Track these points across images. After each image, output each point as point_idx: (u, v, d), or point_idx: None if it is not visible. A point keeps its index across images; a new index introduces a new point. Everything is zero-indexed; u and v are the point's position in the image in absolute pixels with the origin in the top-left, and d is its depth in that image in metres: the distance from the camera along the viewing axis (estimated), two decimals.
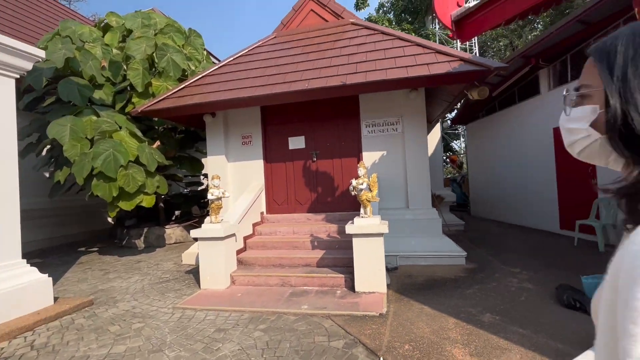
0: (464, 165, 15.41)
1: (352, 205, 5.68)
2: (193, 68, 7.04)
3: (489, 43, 15.67)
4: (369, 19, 17.20)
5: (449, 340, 2.63)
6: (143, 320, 3.39)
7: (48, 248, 7.59)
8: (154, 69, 6.65)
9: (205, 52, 7.89)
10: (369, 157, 5.58)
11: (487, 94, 4.66)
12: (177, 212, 9.20)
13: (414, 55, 4.95)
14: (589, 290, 3.09)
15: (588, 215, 5.62)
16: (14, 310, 3.35)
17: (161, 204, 7.94)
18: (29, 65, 3.75)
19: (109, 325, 3.31)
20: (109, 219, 10.35)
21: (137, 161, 5.42)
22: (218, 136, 6.11)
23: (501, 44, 15.27)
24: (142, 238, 7.55)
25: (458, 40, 16.39)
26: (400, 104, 5.48)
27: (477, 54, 14.99)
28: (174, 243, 7.77)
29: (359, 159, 5.69)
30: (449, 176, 14.38)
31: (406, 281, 4.18)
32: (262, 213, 5.97)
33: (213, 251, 4.29)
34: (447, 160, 17.07)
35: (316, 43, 6.20)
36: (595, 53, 0.61)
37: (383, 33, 5.79)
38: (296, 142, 6.00)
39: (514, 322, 2.87)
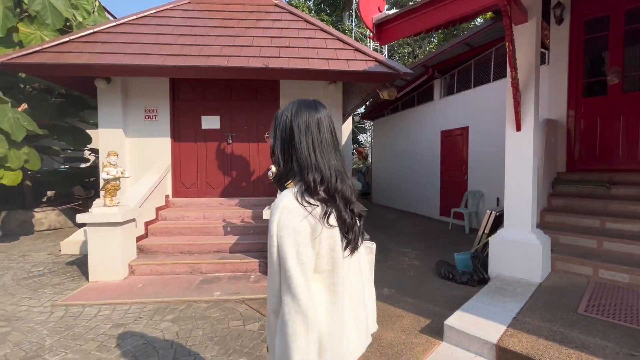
0: (369, 157, 16.92)
1: (268, 191, 5.69)
2: (80, 19, 5.79)
3: (396, 48, 17.34)
4: (290, 3, 16.97)
5: None
6: (8, 324, 2.77)
7: None
8: (21, 11, 5.21)
9: (97, 3, 6.54)
10: None
11: (395, 94, 5.21)
12: (49, 193, 7.59)
13: (335, 49, 5.15)
14: (460, 263, 3.87)
15: (460, 205, 6.93)
16: None
17: (27, 182, 6.43)
18: None
19: None
20: None
21: None
22: (114, 106, 5.23)
23: (405, 50, 17.08)
24: None
25: (371, 41, 17.59)
26: (319, 94, 5.65)
27: (386, 57, 16.46)
28: (47, 230, 6.45)
29: None
30: (355, 167, 15.60)
31: None
32: (167, 196, 5.44)
33: (107, 238, 3.75)
34: (354, 152, 18.47)
35: (237, 18, 5.85)
36: (275, 114, 1.05)
37: (307, 22, 5.83)
38: (210, 122, 5.62)
39: (406, 293, 3.40)
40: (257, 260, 4.10)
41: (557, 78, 4.78)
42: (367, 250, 1.21)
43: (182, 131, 5.60)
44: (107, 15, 7.29)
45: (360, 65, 4.83)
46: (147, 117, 5.45)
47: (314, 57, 4.89)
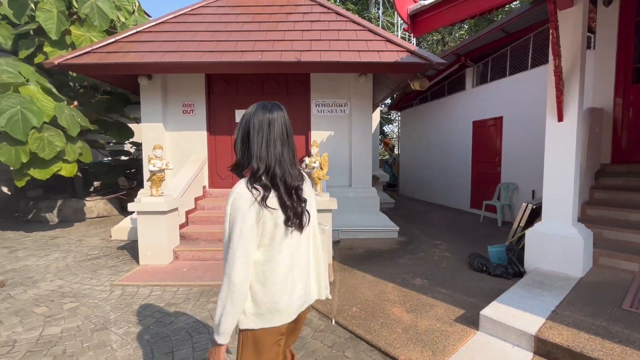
0: (396, 149, 16.70)
1: None
2: (123, 20, 6.14)
3: (425, 36, 16.78)
4: None
5: (389, 301, 3.05)
6: (76, 300, 3.11)
7: None
8: (71, 14, 5.61)
9: (137, 3, 6.88)
10: (317, 136, 5.73)
11: (427, 85, 5.14)
12: (95, 183, 8.19)
13: (366, 40, 5.14)
14: (493, 256, 3.84)
15: (492, 197, 6.76)
16: None
17: (78, 173, 6.98)
18: None
19: (33, 307, 2.96)
20: (4, 189, 8.71)
21: (54, 123, 4.65)
22: (155, 102, 5.55)
23: (434, 38, 16.51)
24: (55, 211, 6.61)
25: (399, 30, 17.09)
26: (349, 86, 5.69)
27: (415, 45, 16.02)
28: (96, 217, 7.00)
29: (307, 137, 5.81)
30: (381, 158, 15.48)
31: (348, 253, 4.57)
32: (204, 187, 5.74)
33: (154, 225, 4.05)
34: (381, 143, 18.28)
35: (268, 12, 5.96)
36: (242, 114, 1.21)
37: (337, 13, 5.84)
38: None
39: (438, 284, 3.44)
40: None
41: (604, 64, 4.52)
42: (321, 231, 1.40)
43: (217, 125, 5.85)
44: (144, 15, 7.63)
45: (391, 56, 4.80)
46: (184, 111, 5.74)
47: (345, 50, 4.91)
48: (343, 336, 2.51)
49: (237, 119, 5.82)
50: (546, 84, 3.31)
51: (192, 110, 5.74)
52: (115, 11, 5.79)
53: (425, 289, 3.32)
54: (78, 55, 4.79)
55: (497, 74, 7.01)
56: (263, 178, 1.12)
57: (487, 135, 7.19)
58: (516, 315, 2.37)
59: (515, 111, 6.37)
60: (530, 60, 6.13)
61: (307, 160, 4.15)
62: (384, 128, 19.65)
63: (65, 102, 5.03)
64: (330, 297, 1.45)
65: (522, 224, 4.32)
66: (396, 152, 16.80)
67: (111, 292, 3.30)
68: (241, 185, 1.10)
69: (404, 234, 5.55)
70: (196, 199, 5.34)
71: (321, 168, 4.14)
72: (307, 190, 1.27)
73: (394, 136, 19.11)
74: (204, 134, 5.77)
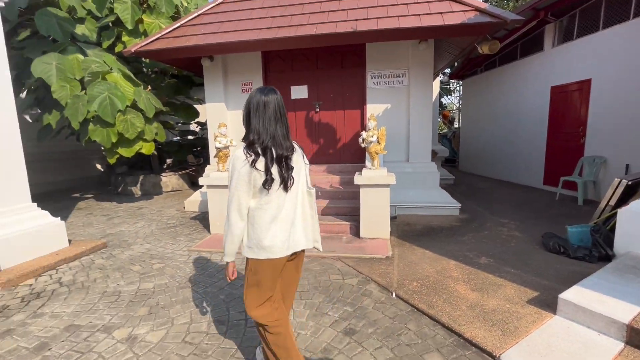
0: (455, 122, 15.58)
1: (353, 157, 5.80)
2: (185, 4, 6.45)
3: None
4: None
5: (452, 278, 2.96)
6: (162, 261, 3.56)
7: (39, 195, 7.45)
8: (144, 4, 6.04)
9: None
10: (373, 110, 5.56)
11: (498, 47, 4.61)
12: (168, 160, 9.08)
13: (427, 2, 4.72)
14: (573, 237, 3.46)
15: (571, 172, 6.00)
16: (34, 251, 3.43)
17: (154, 152, 7.77)
18: None
19: (130, 265, 3.47)
20: (98, 166, 10.12)
21: (134, 106, 5.19)
22: (217, 82, 5.85)
23: None
24: (138, 185, 7.51)
25: None
26: (408, 55, 5.35)
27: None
28: (171, 191, 7.80)
29: (363, 111, 5.68)
30: (439, 131, 14.58)
31: (406, 229, 4.49)
32: None
33: (222, 198, 4.39)
34: (440, 115, 17.14)
35: None
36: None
37: None
38: (299, 92, 5.86)
39: (507, 264, 3.23)
40: (348, 223, 4.33)
41: None
42: (308, 192, 1.69)
43: None
44: None
45: (457, 17, 4.35)
46: (243, 90, 5.96)
47: (404, 15, 4.58)
48: (404, 309, 2.52)
49: (293, 96, 5.89)
50: None
51: (251, 89, 5.93)
52: None
53: (492, 268, 3.15)
54: (149, 42, 5.19)
55: (587, 29, 5.98)
56: (257, 147, 1.47)
57: (569, 102, 6.30)
58: (604, 302, 2.14)
59: (607, 72, 5.43)
60: (633, 7, 5.09)
61: (363, 134, 4.07)
62: (441, 100, 18.32)
63: (142, 86, 5.53)
64: (320, 249, 1.79)
65: (612, 203, 3.79)
66: (456, 125, 15.67)
67: (189, 256, 3.71)
68: (240, 150, 1.49)
69: (465, 211, 5.26)
70: None
71: (379, 142, 4.04)
72: (296, 159, 1.60)
73: (454, 108, 17.75)
74: None
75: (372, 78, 5.55)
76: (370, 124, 4.06)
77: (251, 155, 1.45)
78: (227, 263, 1.61)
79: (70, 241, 3.96)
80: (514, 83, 7.84)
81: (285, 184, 1.52)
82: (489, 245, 3.77)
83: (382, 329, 2.28)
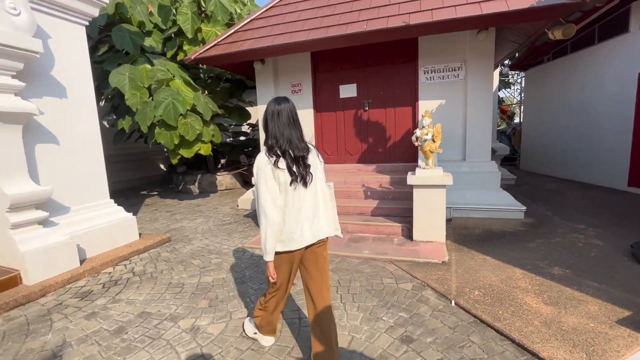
0: (515, 117, 14.34)
1: (404, 157, 5.60)
2: (239, 11, 6.75)
3: None
4: None
5: (520, 289, 2.69)
6: (219, 257, 3.75)
7: (113, 192, 8.37)
8: (202, 13, 6.45)
9: None
10: (426, 106, 5.30)
11: (574, 32, 4.09)
12: (222, 161, 9.60)
13: None
14: None
15: None
16: (110, 242, 3.84)
17: (210, 152, 8.27)
18: (95, 12, 3.78)
19: (191, 259, 3.71)
20: (161, 166, 11.07)
21: (193, 110, 5.56)
22: (268, 84, 6.03)
23: None
24: (196, 184, 8.05)
25: None
26: (465, 46, 5.01)
27: None
28: (225, 189, 8.24)
29: (415, 108, 5.44)
30: (498, 128, 13.50)
31: (463, 232, 4.21)
32: None
33: None
34: (498, 110, 15.89)
35: None
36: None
37: None
38: (347, 91, 5.80)
39: (587, 276, 2.85)
40: (399, 224, 4.18)
41: None
42: (327, 186, 1.85)
43: (323, 102, 6.00)
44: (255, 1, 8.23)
45: (524, 1, 3.95)
46: (293, 91, 6.06)
47: (461, 4, 4.28)
48: (466, 319, 2.35)
49: (342, 95, 5.85)
50: None
51: (300, 90, 6.02)
52: (233, 4, 6.40)
53: (569, 280, 2.80)
54: (207, 49, 5.52)
55: None
56: (276, 150, 1.66)
57: None
58: None
59: None
60: None
61: (417, 132, 3.89)
62: (498, 93, 16.96)
63: (200, 91, 5.91)
64: (341, 235, 1.94)
65: None
66: (516, 120, 14.43)
67: (244, 252, 3.87)
68: (262, 153, 1.70)
69: (531, 214, 4.78)
70: None
71: (433, 140, 3.83)
72: (312, 158, 1.77)
73: (513, 102, 16.33)
74: (310, 112, 6.01)
75: (424, 73, 5.29)
76: (425, 121, 3.86)
77: (272, 157, 1.64)
78: (267, 262, 1.71)
79: (140, 234, 4.36)
80: (590, 71, 6.94)
81: (305, 181, 1.70)
82: (563, 254, 3.36)
83: (441, 339, 2.14)
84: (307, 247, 1.77)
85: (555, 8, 3.76)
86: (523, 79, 12.31)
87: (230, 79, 7.87)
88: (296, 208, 1.69)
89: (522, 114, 11.06)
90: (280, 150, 1.65)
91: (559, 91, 7.93)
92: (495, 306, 2.44)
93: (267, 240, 1.64)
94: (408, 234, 4.06)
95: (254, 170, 1.67)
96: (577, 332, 2.09)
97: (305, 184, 1.70)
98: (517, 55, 8.78)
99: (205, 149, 5.85)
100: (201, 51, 5.54)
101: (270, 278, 1.74)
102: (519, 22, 4.29)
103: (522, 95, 12.02)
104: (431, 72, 5.26)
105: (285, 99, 1.72)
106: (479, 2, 4.19)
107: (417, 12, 4.45)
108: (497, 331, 2.18)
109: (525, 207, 4.67)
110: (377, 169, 5.57)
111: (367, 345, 2.11)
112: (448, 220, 4.66)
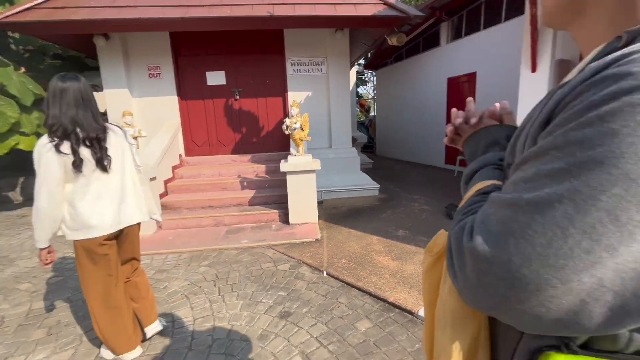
0: (371, 110, 16.67)
1: (278, 146, 5.77)
2: None
3: None
4: None
5: (375, 251, 3.22)
6: (60, 274, 3.03)
7: None
8: None
9: None
10: (295, 97, 5.57)
11: (404, 40, 5.05)
12: None
13: None
14: None
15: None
16: None
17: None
18: None
19: (16, 284, 2.87)
20: None
21: (2, 92, 4.20)
22: (116, 65, 5.10)
23: None
24: (17, 189, 6.18)
25: None
26: (325, 43, 5.48)
27: None
28: None
29: (285, 98, 5.65)
30: (357, 120, 15.45)
31: (332, 212, 4.69)
32: (180, 155, 5.54)
33: None
34: (357, 104, 18.12)
35: None
36: None
37: None
38: (215, 78, 5.51)
39: (420, 233, 3.65)
40: (276, 211, 4.32)
41: None
42: (137, 170, 1.82)
43: (188, 89, 5.52)
44: None
45: (368, 9, 4.61)
46: (150, 75, 5.34)
47: (320, 2, 4.66)
48: (335, 285, 2.66)
49: (209, 82, 5.52)
50: (519, 38, 3.35)
51: (159, 74, 5.35)
52: None
53: (408, 239, 3.52)
54: (19, 11, 4.22)
55: (472, 29, 6.98)
56: (57, 131, 1.52)
57: (461, 92, 7.31)
58: None
59: (488, 66, 6.46)
60: (504, 12, 6.12)
61: (287, 121, 4.07)
62: (358, 89, 19.39)
63: (12, 67, 4.50)
64: (160, 219, 2.01)
65: None
66: (372, 113, 16.79)
67: None
68: (44, 136, 1.54)
69: (384, 191, 5.73)
70: (173, 168, 5.17)
71: (302, 129, 4.09)
72: (115, 140, 1.69)
73: (369, 97, 18.99)
74: (174, 99, 5.44)
75: (292, 65, 5.53)
76: (293, 110, 4.07)
77: (54, 140, 1.51)
78: (39, 250, 1.62)
79: None
80: (418, 74, 8.73)
81: (102, 164, 1.62)
82: (405, 220, 4.20)
83: (315, 306, 2.37)
84: (117, 235, 1.73)
85: (390, 19, 4.55)
86: (375, 77, 14.38)
87: (61, 55, 6.27)
88: (93, 194, 1.61)
89: (376, 108, 13.00)
90: (62, 132, 1.52)
91: (400, 90, 9.69)
92: (358, 269, 2.86)
93: (35, 228, 1.56)
94: (285, 219, 4.26)
95: (35, 155, 1.52)
96: (413, 277, 2.67)
97: (103, 167, 1.62)
98: (369, 56, 10.21)
99: (27, 144, 4.53)
100: (8, 13, 4.19)
101: (41, 264, 1.65)
102: (365, 26, 4.98)
103: (375, 92, 14.08)
104: (298, 65, 5.55)
105: (75, 77, 1.60)
106: (334, 4, 4.65)
107: (281, 4, 4.59)
108: (359, 289, 2.57)
109: (379, 185, 5.57)
110: (253, 158, 5.56)
111: (248, 329, 2.13)
112: (320, 203, 5.10)
